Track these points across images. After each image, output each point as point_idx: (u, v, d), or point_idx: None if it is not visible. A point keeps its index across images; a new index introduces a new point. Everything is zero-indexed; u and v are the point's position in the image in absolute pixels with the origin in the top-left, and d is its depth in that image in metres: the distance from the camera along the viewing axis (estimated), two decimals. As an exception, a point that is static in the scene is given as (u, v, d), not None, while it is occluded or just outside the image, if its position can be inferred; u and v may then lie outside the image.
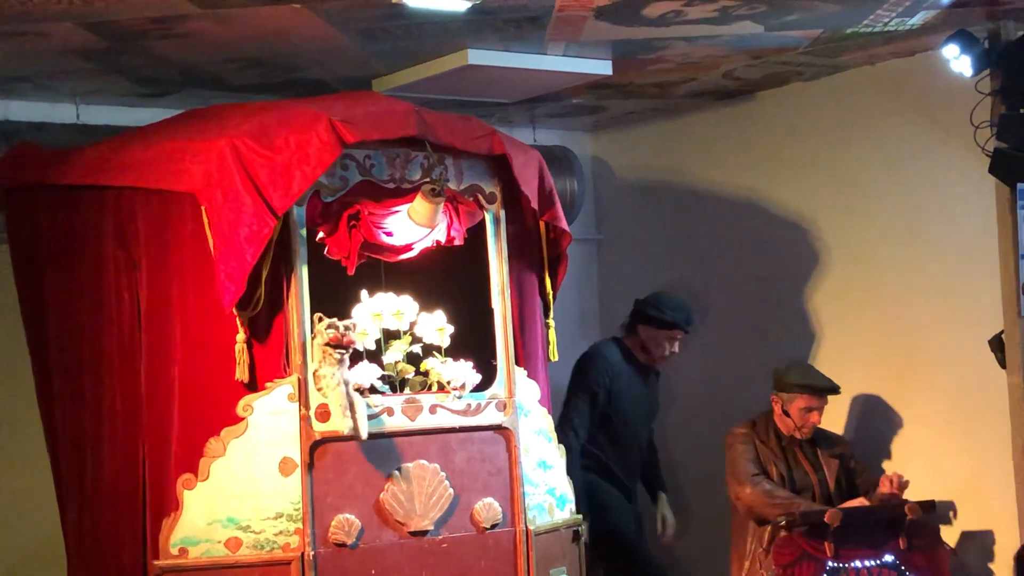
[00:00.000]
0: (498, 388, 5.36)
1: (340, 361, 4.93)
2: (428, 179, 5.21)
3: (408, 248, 5.30)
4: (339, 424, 4.91)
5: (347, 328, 4.94)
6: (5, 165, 5.64)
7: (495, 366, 5.39)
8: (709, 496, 6.88)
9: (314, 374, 4.95)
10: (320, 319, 4.95)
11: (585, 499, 6.04)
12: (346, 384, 4.94)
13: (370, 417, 5.01)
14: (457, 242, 5.39)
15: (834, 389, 6.22)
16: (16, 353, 5.66)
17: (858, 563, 5.86)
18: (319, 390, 4.95)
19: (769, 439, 6.24)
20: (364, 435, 4.95)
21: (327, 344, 4.92)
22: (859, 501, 6.13)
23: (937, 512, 6.01)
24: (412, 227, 5.23)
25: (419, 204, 5.15)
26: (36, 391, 5.56)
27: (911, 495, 6.05)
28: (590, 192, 7.81)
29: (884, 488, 6.08)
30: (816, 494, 6.16)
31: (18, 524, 6.25)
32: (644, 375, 6.61)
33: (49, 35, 5.28)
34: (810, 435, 6.24)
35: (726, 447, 6.28)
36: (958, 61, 5.68)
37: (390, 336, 5.27)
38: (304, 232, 5.01)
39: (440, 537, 5.16)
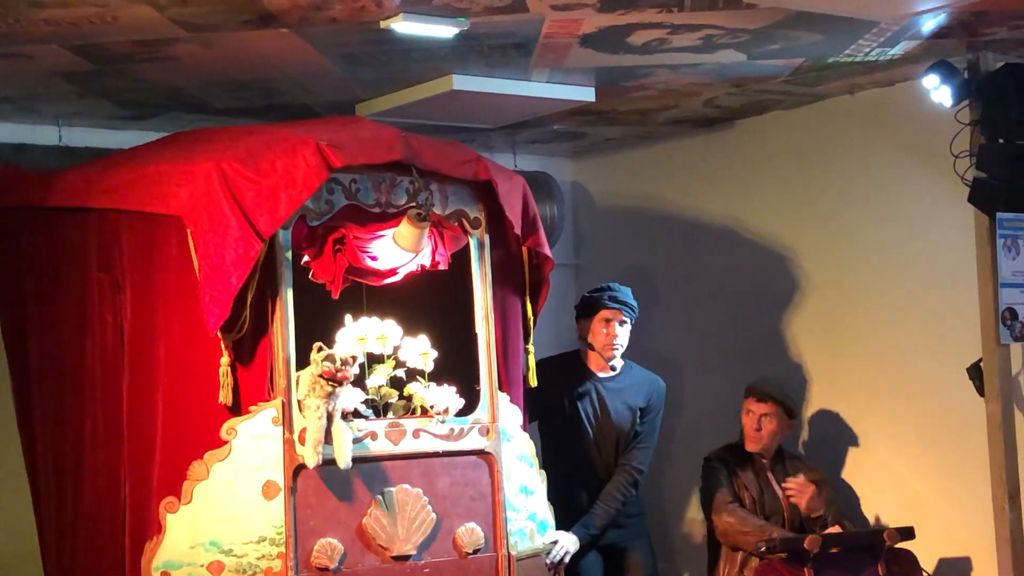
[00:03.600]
0: (481, 413, 5.36)
1: (329, 395, 4.92)
2: (414, 204, 5.22)
3: (393, 272, 5.30)
4: (307, 458, 4.88)
5: (344, 363, 4.91)
6: (-13, 186, 5.63)
7: (478, 391, 5.39)
8: (687, 517, 6.89)
9: (299, 402, 4.94)
10: (320, 349, 4.93)
11: None
12: (329, 419, 4.92)
13: (354, 441, 5.00)
14: (442, 267, 5.40)
15: (762, 392, 6.24)
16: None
17: (837, 589, 5.87)
18: (304, 416, 4.94)
19: (744, 462, 6.26)
20: (344, 464, 4.94)
21: (320, 376, 4.90)
22: (836, 528, 6.14)
23: (915, 539, 6.02)
24: (397, 251, 5.23)
25: (404, 229, 5.16)
26: (16, 415, 5.54)
27: (889, 522, 6.07)
28: (569, 218, 7.84)
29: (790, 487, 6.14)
30: (785, 518, 6.16)
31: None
32: (594, 381, 6.30)
33: (34, 57, 5.27)
34: (757, 447, 6.24)
35: (703, 472, 6.30)
36: (938, 91, 5.71)
37: (374, 360, 5.27)
38: (290, 256, 4.99)
39: (422, 562, 5.15)
